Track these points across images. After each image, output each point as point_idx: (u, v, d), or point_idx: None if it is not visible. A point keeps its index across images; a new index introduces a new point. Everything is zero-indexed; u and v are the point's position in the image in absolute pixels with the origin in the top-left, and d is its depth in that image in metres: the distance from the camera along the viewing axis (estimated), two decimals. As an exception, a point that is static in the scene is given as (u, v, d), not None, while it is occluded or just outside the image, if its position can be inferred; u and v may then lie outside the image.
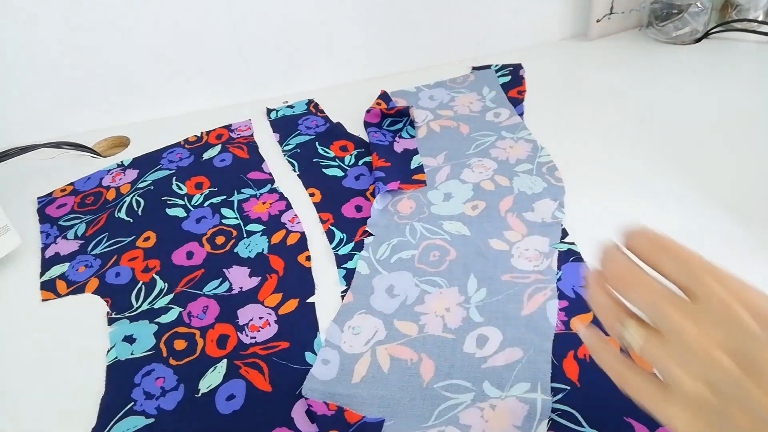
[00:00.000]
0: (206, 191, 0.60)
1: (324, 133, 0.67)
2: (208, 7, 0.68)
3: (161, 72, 0.71)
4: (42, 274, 0.52)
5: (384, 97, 0.71)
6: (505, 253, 0.49)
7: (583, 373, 0.39)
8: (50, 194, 0.62)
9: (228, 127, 0.70)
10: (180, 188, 0.61)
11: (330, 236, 0.53)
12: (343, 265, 0.50)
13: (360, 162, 0.62)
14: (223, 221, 0.56)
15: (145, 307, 0.48)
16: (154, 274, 0.51)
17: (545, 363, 0.39)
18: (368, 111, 0.68)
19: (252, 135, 0.69)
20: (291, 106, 0.73)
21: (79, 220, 0.58)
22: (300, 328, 0.45)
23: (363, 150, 0.64)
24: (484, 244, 0.50)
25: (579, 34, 0.83)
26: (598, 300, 0.27)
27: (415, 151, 0.62)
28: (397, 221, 0.53)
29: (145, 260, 0.52)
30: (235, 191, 0.59)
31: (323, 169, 0.61)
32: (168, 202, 0.59)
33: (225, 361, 0.43)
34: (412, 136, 0.65)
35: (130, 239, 0.55)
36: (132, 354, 0.44)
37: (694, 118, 0.63)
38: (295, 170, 0.62)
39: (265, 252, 0.52)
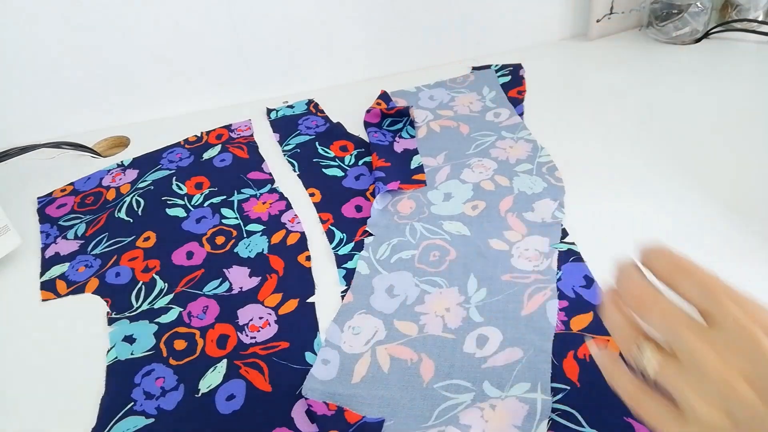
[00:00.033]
0: (206, 191, 0.60)
1: (324, 133, 0.67)
2: (208, 7, 0.68)
3: (161, 72, 0.71)
4: (42, 274, 0.52)
5: (384, 97, 0.71)
6: (505, 253, 0.49)
7: (583, 373, 0.39)
8: (50, 194, 0.62)
9: (228, 127, 0.70)
10: (180, 188, 0.61)
11: (330, 236, 0.53)
12: (343, 265, 0.50)
13: (360, 162, 0.62)
14: (223, 221, 0.56)
15: (145, 307, 0.48)
16: (154, 274, 0.51)
17: (545, 363, 0.39)
18: (368, 111, 0.68)
19: (252, 135, 0.69)
20: (291, 106, 0.73)
21: (79, 220, 0.58)
22: (300, 328, 0.45)
23: (363, 150, 0.64)
24: (484, 244, 0.50)
25: (579, 34, 0.83)
26: (613, 321, 0.26)
27: (415, 151, 0.62)
28: (397, 221, 0.53)
29: (145, 260, 0.52)
30: (235, 191, 0.59)
31: (323, 169, 0.61)
32: (168, 202, 0.59)
33: (225, 361, 0.43)
34: (412, 136, 0.65)
35: (130, 239, 0.55)
36: (132, 354, 0.44)
37: (694, 118, 0.63)
38: (295, 170, 0.62)
39: (265, 252, 0.52)
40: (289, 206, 0.57)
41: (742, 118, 0.62)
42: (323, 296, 0.47)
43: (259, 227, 0.55)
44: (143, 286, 0.50)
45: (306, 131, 0.68)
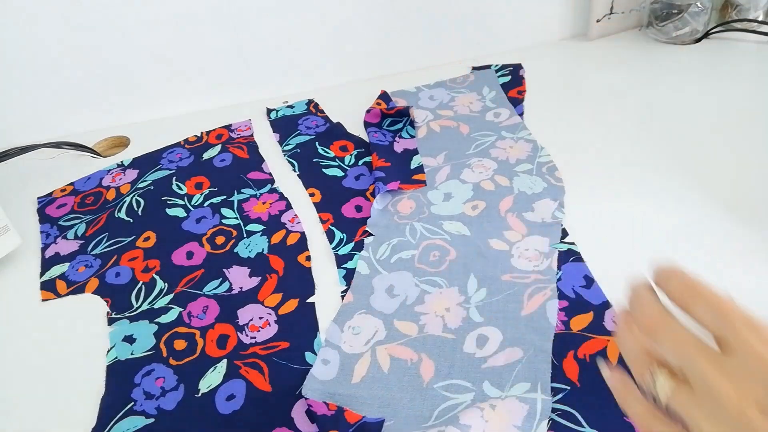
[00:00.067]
0: (206, 191, 0.60)
1: (324, 133, 0.67)
2: (207, 7, 0.68)
3: (161, 72, 0.71)
4: (42, 274, 0.52)
5: (384, 97, 0.71)
6: (505, 253, 0.49)
7: (583, 373, 0.39)
8: (50, 194, 0.62)
9: (228, 127, 0.70)
10: (180, 188, 0.61)
11: (330, 236, 0.53)
12: (343, 265, 0.50)
13: (360, 162, 0.62)
14: (223, 221, 0.56)
15: (145, 307, 0.48)
16: (154, 274, 0.51)
17: (545, 363, 0.39)
18: (368, 111, 0.68)
19: (252, 135, 0.69)
20: (291, 106, 0.73)
21: (79, 220, 0.58)
22: (300, 328, 0.45)
23: (363, 150, 0.64)
24: (484, 244, 0.50)
25: (579, 34, 0.83)
26: (626, 344, 0.26)
27: (415, 151, 0.62)
28: (397, 221, 0.53)
29: (145, 260, 0.52)
30: (235, 191, 0.59)
31: (323, 169, 0.61)
32: (168, 202, 0.59)
33: (225, 361, 0.43)
34: (412, 136, 0.65)
35: (130, 239, 0.55)
36: (132, 354, 0.44)
37: (694, 118, 0.63)
38: (295, 170, 0.62)
39: (265, 252, 0.52)
40: (289, 206, 0.57)
41: (742, 118, 0.62)
42: (323, 296, 0.47)
43: (259, 227, 0.55)
44: (143, 286, 0.50)
45: (306, 131, 0.68)
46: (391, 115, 0.68)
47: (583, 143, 0.61)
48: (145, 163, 0.65)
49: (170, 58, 0.70)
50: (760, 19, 0.76)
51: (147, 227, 0.56)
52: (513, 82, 0.72)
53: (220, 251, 0.52)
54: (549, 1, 0.79)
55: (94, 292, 0.50)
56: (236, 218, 0.56)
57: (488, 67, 0.76)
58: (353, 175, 0.60)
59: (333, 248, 0.51)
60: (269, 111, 0.72)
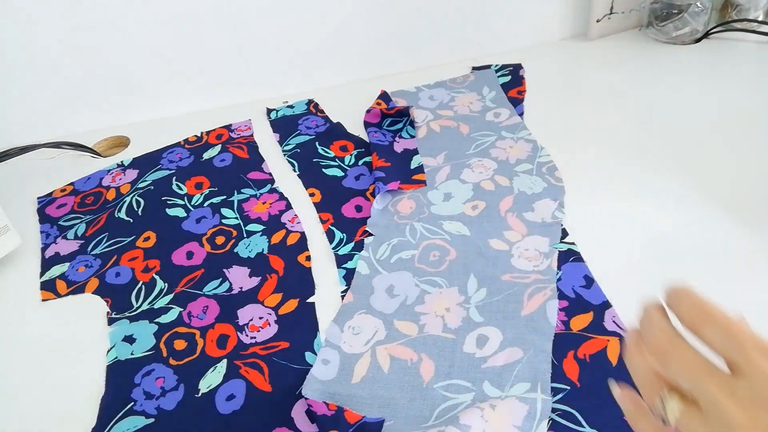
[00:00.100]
0: (206, 191, 0.60)
1: (324, 133, 0.67)
2: (207, 7, 0.68)
3: (161, 72, 0.71)
4: (42, 274, 0.52)
5: (384, 97, 0.71)
6: (505, 253, 0.49)
7: (583, 373, 0.39)
8: (50, 194, 0.62)
9: (228, 127, 0.70)
10: (180, 188, 0.61)
11: (330, 236, 0.53)
12: (343, 265, 0.50)
13: (360, 162, 0.62)
14: (223, 221, 0.56)
15: (145, 307, 0.48)
16: (154, 274, 0.51)
17: (545, 363, 0.39)
18: (368, 111, 0.68)
19: (252, 135, 0.68)
20: (291, 106, 0.73)
21: (79, 220, 0.58)
22: (300, 328, 0.45)
23: (363, 150, 0.64)
24: (484, 244, 0.50)
25: (579, 34, 0.83)
26: (636, 367, 0.26)
27: (415, 151, 0.62)
28: (397, 221, 0.53)
29: (145, 260, 0.52)
30: (235, 191, 0.59)
31: (323, 169, 0.61)
32: (168, 202, 0.59)
33: (225, 361, 0.43)
34: (412, 136, 0.65)
35: (130, 239, 0.55)
36: (132, 354, 0.44)
37: (694, 118, 0.63)
38: (295, 170, 0.62)
39: (265, 252, 0.52)
40: (289, 206, 0.57)
41: (742, 118, 0.62)
42: (323, 296, 0.47)
43: (259, 227, 0.55)
44: (143, 286, 0.50)
45: (306, 131, 0.68)
46: (391, 115, 0.68)
47: (583, 143, 0.61)
48: (145, 163, 0.65)
49: (170, 58, 0.70)
50: (760, 19, 0.76)
51: (147, 227, 0.56)
52: (513, 82, 0.72)
53: (220, 251, 0.52)
54: (549, 1, 0.79)
55: (94, 292, 0.50)
56: (236, 218, 0.56)
57: (488, 67, 0.76)
58: (353, 175, 0.60)
59: (333, 248, 0.51)
60: (269, 111, 0.72)
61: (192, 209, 0.58)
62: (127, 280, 0.50)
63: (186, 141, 0.68)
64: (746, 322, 0.23)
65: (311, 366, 0.41)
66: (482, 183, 0.56)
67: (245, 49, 0.72)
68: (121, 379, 0.42)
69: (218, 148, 0.66)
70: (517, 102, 0.69)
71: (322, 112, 0.71)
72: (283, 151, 0.65)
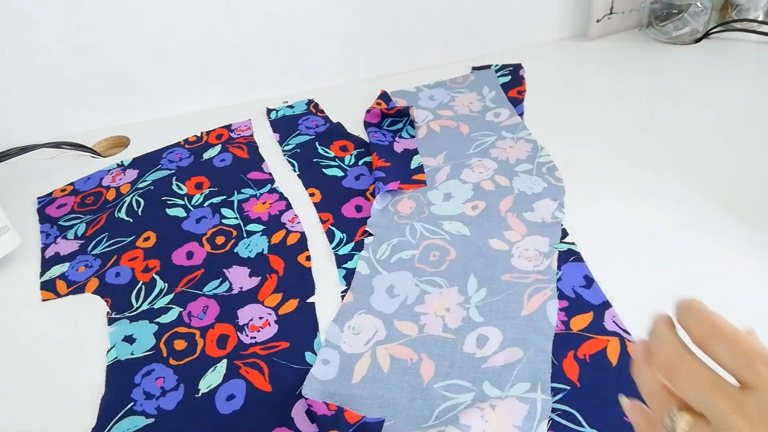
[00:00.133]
0: (206, 191, 0.60)
1: (324, 133, 0.67)
2: (207, 7, 0.68)
3: (161, 72, 0.71)
4: (42, 274, 0.52)
5: (384, 97, 0.71)
6: (505, 253, 0.49)
7: (583, 373, 0.39)
8: (50, 194, 0.62)
9: (228, 127, 0.70)
10: (180, 188, 0.61)
11: (330, 236, 0.53)
12: (343, 265, 0.50)
13: (360, 162, 0.62)
14: (223, 221, 0.56)
15: (145, 307, 0.48)
16: (154, 274, 0.51)
17: (545, 363, 0.39)
18: (368, 111, 0.68)
19: (252, 135, 0.68)
20: (291, 106, 0.73)
21: (79, 220, 0.58)
22: (300, 328, 0.45)
23: (363, 150, 0.64)
24: (484, 244, 0.50)
25: (579, 34, 0.83)
26: (645, 383, 0.26)
27: (415, 151, 0.62)
28: (397, 221, 0.53)
29: (145, 260, 0.52)
30: (235, 191, 0.59)
31: (323, 169, 0.61)
32: (168, 202, 0.59)
33: (225, 361, 0.43)
34: (412, 136, 0.65)
35: (130, 239, 0.55)
36: (132, 354, 0.44)
37: (694, 118, 0.63)
38: (295, 170, 0.62)
39: (265, 252, 0.52)
40: (289, 206, 0.57)
41: (742, 118, 0.62)
42: (323, 296, 0.47)
43: (259, 227, 0.55)
44: (143, 286, 0.50)
45: (306, 131, 0.68)
46: (391, 115, 0.68)
47: (583, 143, 0.61)
48: (145, 163, 0.65)
49: (170, 58, 0.70)
50: (760, 19, 0.76)
51: (147, 227, 0.56)
52: (513, 82, 0.72)
53: (220, 251, 0.52)
54: (549, 1, 0.79)
55: (94, 292, 0.50)
56: (236, 218, 0.56)
57: (488, 67, 0.76)
58: (353, 175, 0.60)
59: (333, 248, 0.51)
60: (269, 111, 0.72)
61: (192, 209, 0.58)
62: (127, 280, 0.50)
63: (186, 141, 0.68)
64: (756, 335, 0.23)
65: (311, 366, 0.41)
66: (482, 183, 0.56)
67: (245, 49, 0.72)
68: (121, 379, 0.42)
69: (218, 148, 0.66)
70: (517, 102, 0.69)
71: (322, 112, 0.71)
72: (283, 151, 0.65)
